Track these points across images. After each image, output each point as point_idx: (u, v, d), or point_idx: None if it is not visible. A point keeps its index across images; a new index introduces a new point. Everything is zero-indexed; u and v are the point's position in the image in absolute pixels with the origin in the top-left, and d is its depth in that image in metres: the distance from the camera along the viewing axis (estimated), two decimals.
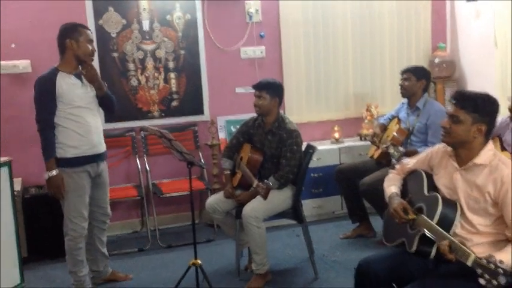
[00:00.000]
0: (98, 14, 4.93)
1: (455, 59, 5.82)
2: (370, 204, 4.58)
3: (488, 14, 5.32)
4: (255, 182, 3.73)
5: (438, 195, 2.54)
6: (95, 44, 3.84)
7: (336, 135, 5.54)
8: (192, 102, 5.29)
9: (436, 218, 2.46)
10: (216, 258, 4.53)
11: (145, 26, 5.08)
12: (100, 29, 4.92)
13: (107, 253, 3.99)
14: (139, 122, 5.15)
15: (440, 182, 2.65)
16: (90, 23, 4.85)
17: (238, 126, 5.32)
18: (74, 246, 3.66)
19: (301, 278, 4.11)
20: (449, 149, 2.68)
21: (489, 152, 2.54)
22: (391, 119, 4.91)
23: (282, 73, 5.49)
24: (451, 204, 2.53)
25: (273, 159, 4.07)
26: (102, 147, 3.77)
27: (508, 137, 3.67)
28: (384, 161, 4.63)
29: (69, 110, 3.56)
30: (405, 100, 4.78)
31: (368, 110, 5.63)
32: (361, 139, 5.61)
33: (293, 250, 4.61)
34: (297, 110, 5.50)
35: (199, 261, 3.73)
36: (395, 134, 4.56)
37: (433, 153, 2.77)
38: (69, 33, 3.58)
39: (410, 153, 4.28)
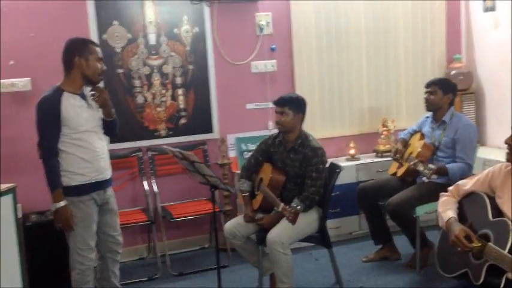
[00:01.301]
0: (102, 28, 4.65)
1: (472, 70, 5.61)
2: (398, 226, 4.29)
3: (507, 23, 5.12)
4: (281, 206, 3.44)
5: (508, 220, 2.27)
6: None
7: (352, 151, 5.28)
8: (200, 119, 5.01)
9: (508, 245, 2.19)
10: (232, 286, 4.22)
11: (152, 40, 4.81)
12: (104, 44, 4.63)
13: (120, 287, 3.65)
14: (146, 142, 4.86)
15: (506, 205, 2.38)
16: (94, 38, 4.56)
17: (249, 144, 5.14)
18: (82, 280, 3.33)
19: None
20: None
21: None
22: (412, 134, 4.67)
23: (294, 87, 5.23)
24: None
25: (297, 180, 3.79)
26: (109, 173, 3.46)
27: None
28: (410, 179, 4.39)
29: (75, 135, 3.25)
30: (429, 114, 4.53)
31: (384, 125, 5.38)
32: (377, 155, 5.36)
33: (315, 276, 4.32)
34: (310, 126, 5.21)
35: None
36: (421, 150, 4.30)
37: (494, 174, 2.51)
38: (78, 50, 3.28)
39: (440, 171, 4.05)
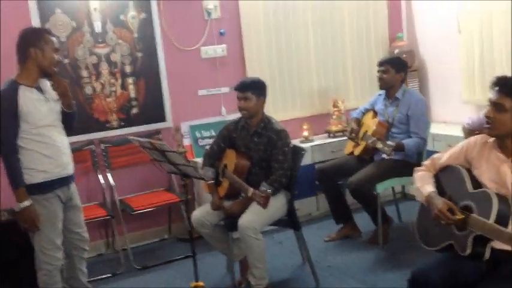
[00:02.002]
0: (44, 16, 4.42)
1: (414, 48, 5.75)
2: (360, 204, 4.36)
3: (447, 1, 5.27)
4: (251, 191, 3.41)
5: (489, 191, 2.34)
6: None
7: (305, 133, 5.31)
8: (153, 108, 4.89)
9: (493, 216, 2.26)
10: (202, 275, 4.15)
11: (98, 27, 4.62)
12: None
13: (89, 285, 3.52)
14: (98, 134, 4.70)
15: (485, 176, 2.45)
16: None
17: (203, 131, 5.07)
18: (50, 280, 3.19)
19: None
20: (490, 139, 2.49)
21: None
22: (364, 113, 4.74)
23: (245, 71, 5.19)
24: (504, 200, 2.33)
25: (262, 164, 3.77)
26: (71, 168, 3.31)
27: None
28: (367, 157, 4.46)
29: (34, 130, 3.08)
30: (381, 92, 4.61)
31: (335, 105, 5.43)
32: (329, 136, 5.42)
33: (281, 259, 4.32)
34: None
35: (201, 284, 3.36)
36: (376, 128, 4.38)
37: (469, 146, 2.57)
38: (33, 40, 3.09)
39: (397, 147, 4.14)
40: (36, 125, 3.08)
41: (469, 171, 2.53)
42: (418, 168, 2.78)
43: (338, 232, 4.65)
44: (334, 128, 5.40)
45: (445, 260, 2.43)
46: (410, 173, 4.30)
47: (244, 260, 3.91)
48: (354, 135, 4.57)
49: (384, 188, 4.33)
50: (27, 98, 3.06)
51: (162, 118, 4.92)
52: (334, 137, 5.36)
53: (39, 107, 3.11)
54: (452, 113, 5.33)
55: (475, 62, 5.02)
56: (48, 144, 3.12)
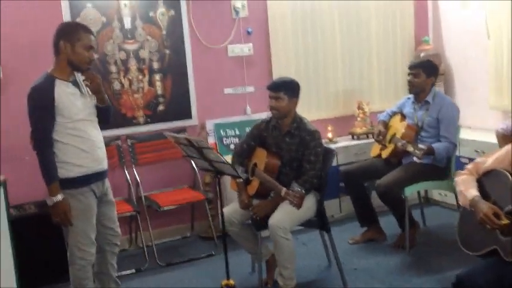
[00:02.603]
0: (75, 11, 4.43)
1: (441, 52, 5.71)
2: (387, 207, 4.33)
3: (477, 5, 5.23)
4: (284, 190, 3.39)
5: None
6: None
7: (329, 135, 5.28)
8: (179, 105, 4.88)
9: None
10: (223, 275, 4.14)
11: (127, 23, 4.63)
12: None
13: (118, 281, 3.51)
14: (124, 130, 4.70)
15: None
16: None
17: (227, 130, 5.06)
18: (83, 275, 3.17)
19: None
20: None
21: None
22: (391, 116, 4.70)
23: (271, 71, 5.18)
24: None
25: (293, 164, 3.75)
26: (106, 163, 3.28)
27: None
28: (395, 160, 4.43)
29: (70, 124, 3.06)
30: (410, 95, 4.58)
31: (360, 107, 5.41)
32: (353, 138, 5.39)
33: (306, 260, 4.29)
34: None
35: (232, 282, 3.33)
36: (405, 131, 4.34)
37: None
38: (65, 34, 3.07)
39: (427, 151, 4.09)
40: (72, 119, 3.07)
41: None
42: (460, 171, 2.75)
43: (363, 235, 4.62)
44: (358, 131, 5.37)
45: (491, 265, 2.40)
46: (438, 178, 4.36)
47: (271, 259, 3.90)
48: (381, 137, 4.53)
49: (411, 192, 4.30)
50: (62, 92, 3.05)
51: (187, 115, 4.92)
52: (358, 139, 5.34)
53: (75, 101, 3.10)
54: (478, 118, 5.28)
55: (503, 67, 4.97)
56: (83, 139, 3.11)
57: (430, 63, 4.45)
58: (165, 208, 4.40)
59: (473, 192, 2.53)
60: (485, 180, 2.61)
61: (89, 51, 3.10)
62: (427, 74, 4.33)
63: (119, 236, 3.43)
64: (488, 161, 2.63)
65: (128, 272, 4.29)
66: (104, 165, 3.25)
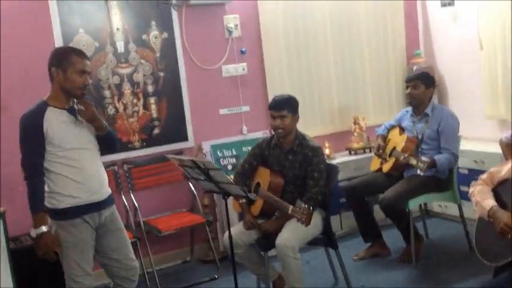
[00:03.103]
0: (68, 36, 4.36)
1: (433, 64, 5.73)
2: (392, 221, 4.29)
3: (468, 17, 5.26)
4: (290, 208, 3.33)
5: None
6: None
7: (327, 151, 5.24)
8: (174, 128, 4.82)
9: None
10: None
11: (120, 47, 4.57)
12: None
13: None
14: (120, 155, 4.60)
15: None
16: None
17: (224, 151, 5.00)
18: None
19: None
20: None
21: None
22: (389, 129, 4.68)
23: (266, 90, 5.15)
24: None
25: (296, 181, 3.70)
26: (104, 193, 3.14)
27: None
28: (397, 174, 4.40)
29: (61, 153, 2.96)
30: (408, 108, 4.57)
31: (356, 122, 5.39)
32: (350, 153, 5.36)
33: (311, 279, 4.20)
34: None
35: None
36: (405, 144, 4.32)
37: None
38: (57, 60, 2.98)
39: (430, 163, 4.06)
40: (62, 148, 2.96)
41: None
42: (475, 182, 2.72)
43: (367, 250, 4.56)
44: (355, 146, 5.35)
45: None
46: (440, 189, 4.34)
47: (277, 280, 3.83)
48: (381, 151, 4.51)
49: (415, 205, 4.26)
50: (54, 119, 2.95)
51: (184, 138, 4.86)
52: (356, 154, 5.31)
53: (66, 129, 2.98)
54: (474, 128, 5.26)
55: (498, 77, 5.00)
56: (76, 168, 2.99)
57: (427, 74, 4.46)
58: (166, 233, 4.31)
59: (490, 202, 2.50)
60: (501, 190, 2.58)
61: (82, 76, 2.99)
62: (425, 85, 4.33)
63: (133, 269, 3.23)
64: (504, 170, 2.59)
65: None
66: (100, 195, 3.09)
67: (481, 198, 2.55)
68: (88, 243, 3.06)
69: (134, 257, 3.27)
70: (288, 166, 3.70)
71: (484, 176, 2.67)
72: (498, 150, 4.52)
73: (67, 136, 2.98)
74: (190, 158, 3.10)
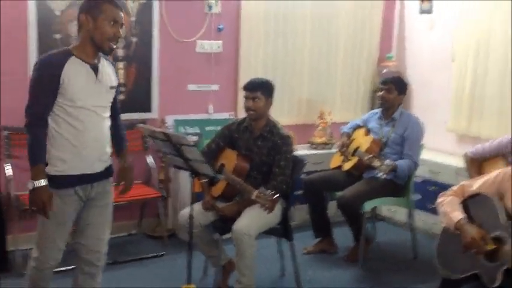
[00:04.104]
0: None
1: (402, 69, 5.78)
2: (346, 219, 4.31)
3: (445, 27, 5.33)
4: (255, 193, 3.27)
5: None
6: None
7: None
8: (140, 97, 4.69)
9: None
10: (174, 278, 3.98)
11: None
12: (42, 5, 4.17)
13: None
14: None
15: None
16: None
17: (187, 127, 4.90)
18: (38, 276, 2.86)
19: None
20: None
21: None
22: (355, 129, 4.70)
23: (238, 71, 5.08)
24: None
25: (262, 168, 3.66)
26: (102, 165, 2.86)
27: None
28: (357, 173, 4.42)
29: (69, 108, 2.68)
30: (377, 110, 4.60)
31: (322, 117, 5.38)
32: (312, 147, 5.37)
33: (260, 268, 4.14)
34: None
35: (194, 286, 3.18)
36: (370, 145, 4.35)
37: (505, 176, 2.54)
38: (87, 5, 2.71)
39: (393, 168, 4.09)
40: (73, 104, 2.68)
41: (501, 202, 2.50)
42: (445, 192, 2.74)
43: (315, 245, 4.59)
44: (318, 140, 5.35)
45: None
46: (396, 194, 4.39)
47: (227, 265, 3.79)
48: (344, 149, 4.52)
49: (371, 206, 4.31)
50: (74, 71, 2.67)
51: (148, 108, 4.73)
52: (317, 148, 5.31)
53: (85, 85, 2.71)
54: (434, 139, 5.33)
55: (465, 91, 5.08)
56: (78, 131, 2.72)
57: (402, 80, 4.49)
58: (117, 204, 4.16)
59: (459, 214, 2.52)
60: (471, 204, 2.60)
61: (113, 26, 2.70)
62: (399, 90, 4.36)
63: (98, 252, 2.95)
64: (476, 185, 2.62)
65: (69, 267, 4.01)
66: (96, 167, 2.83)
67: (450, 209, 2.57)
68: (70, 218, 2.82)
69: (106, 241, 2.99)
70: (256, 151, 3.65)
71: (455, 188, 2.70)
72: (454, 163, 4.69)
73: (81, 92, 2.70)
74: (163, 131, 2.99)
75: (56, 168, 2.72)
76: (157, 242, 4.61)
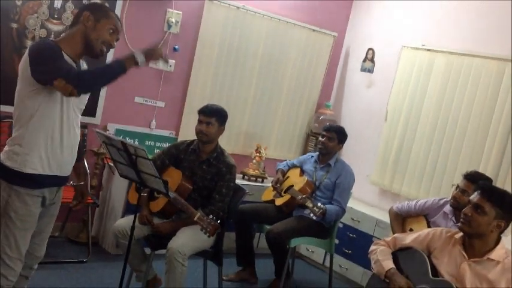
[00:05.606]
0: None
1: (337, 119, 6.07)
2: (272, 253, 4.45)
3: (382, 88, 5.68)
4: (198, 215, 3.34)
5: (450, 282, 2.54)
6: None
7: None
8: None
9: None
10: (94, 285, 3.95)
11: (57, 3, 4.36)
12: None
13: None
14: None
15: (443, 268, 2.65)
16: None
17: (128, 138, 4.91)
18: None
19: None
20: (457, 235, 2.71)
21: (502, 250, 2.62)
22: (290, 167, 4.88)
23: (186, 92, 5.17)
24: None
25: (203, 192, 3.75)
26: (70, 168, 2.82)
27: (439, 220, 3.82)
28: (287, 210, 4.58)
29: (47, 102, 2.59)
30: (314, 154, 4.81)
31: (258, 150, 5.55)
32: (244, 178, 5.50)
33: None
34: (184, 135, 5.05)
35: None
36: (303, 186, 4.53)
37: (435, 235, 2.77)
38: (94, 7, 2.76)
39: (324, 211, 4.28)
40: (51, 96, 2.60)
41: (429, 258, 2.73)
42: (378, 241, 2.94)
43: (237, 274, 4.69)
44: (251, 172, 5.49)
45: None
46: (321, 236, 4.60)
47: (151, 281, 3.81)
48: (278, 185, 4.68)
49: (297, 243, 4.47)
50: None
51: (91, 113, 4.70)
52: (249, 180, 5.45)
53: None
54: (357, 189, 5.58)
55: (392, 151, 5.41)
56: (57, 126, 2.65)
57: (344, 131, 4.69)
58: None
59: (390, 264, 2.72)
60: (400, 255, 2.81)
61: (112, 34, 2.74)
62: (339, 140, 4.59)
63: (38, 258, 2.91)
64: (408, 239, 2.84)
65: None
66: (66, 169, 2.79)
67: (382, 258, 2.77)
68: (35, 222, 2.69)
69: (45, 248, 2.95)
70: (200, 175, 3.73)
71: (388, 239, 2.91)
72: (374, 214, 4.99)
73: None
74: (122, 140, 3.00)
75: (30, 166, 2.61)
76: (80, 248, 4.56)
